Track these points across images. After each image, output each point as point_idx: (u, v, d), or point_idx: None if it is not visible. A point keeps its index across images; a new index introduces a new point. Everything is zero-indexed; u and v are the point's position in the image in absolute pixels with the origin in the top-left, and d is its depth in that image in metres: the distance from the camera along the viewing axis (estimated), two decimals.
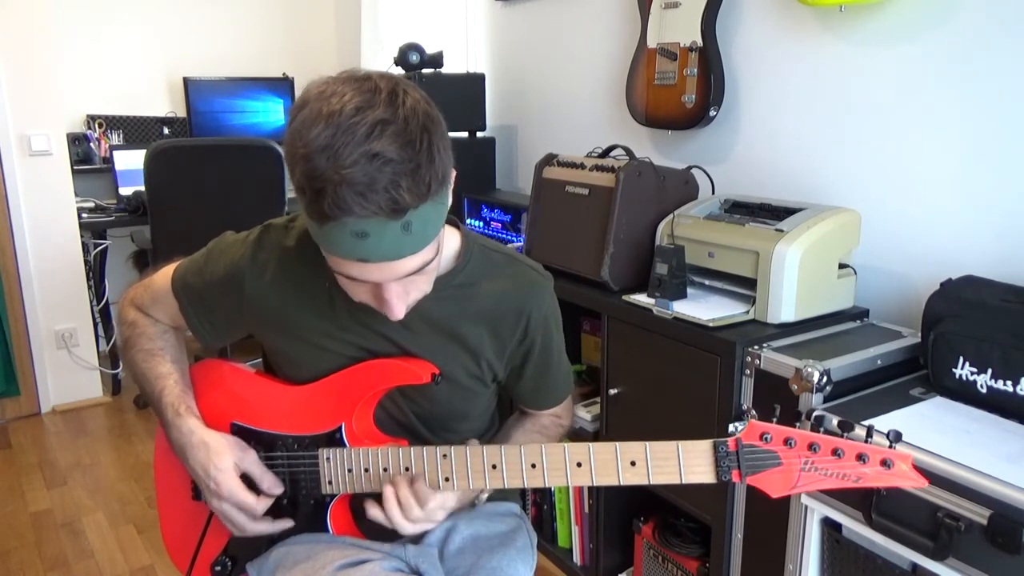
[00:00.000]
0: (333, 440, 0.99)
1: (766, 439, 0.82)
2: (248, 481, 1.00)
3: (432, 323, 1.00)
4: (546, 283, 1.06)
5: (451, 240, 1.02)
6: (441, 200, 0.82)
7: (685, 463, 0.85)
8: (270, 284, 1.01)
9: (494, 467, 0.92)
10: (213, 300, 1.06)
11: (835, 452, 0.80)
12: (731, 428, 0.85)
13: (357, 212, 0.74)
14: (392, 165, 0.74)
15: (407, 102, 0.78)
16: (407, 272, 0.83)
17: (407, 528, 0.95)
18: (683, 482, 0.85)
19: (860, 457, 0.80)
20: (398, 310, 0.86)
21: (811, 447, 0.81)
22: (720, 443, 0.84)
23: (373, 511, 0.95)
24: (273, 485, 1.01)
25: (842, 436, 0.81)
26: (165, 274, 1.11)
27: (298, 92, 3.89)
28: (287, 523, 1.02)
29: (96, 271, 3.25)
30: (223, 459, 0.98)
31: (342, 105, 0.76)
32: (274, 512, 1.02)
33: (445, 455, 0.93)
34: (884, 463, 0.79)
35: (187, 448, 1.00)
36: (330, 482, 0.99)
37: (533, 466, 0.90)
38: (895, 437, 0.80)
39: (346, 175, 0.73)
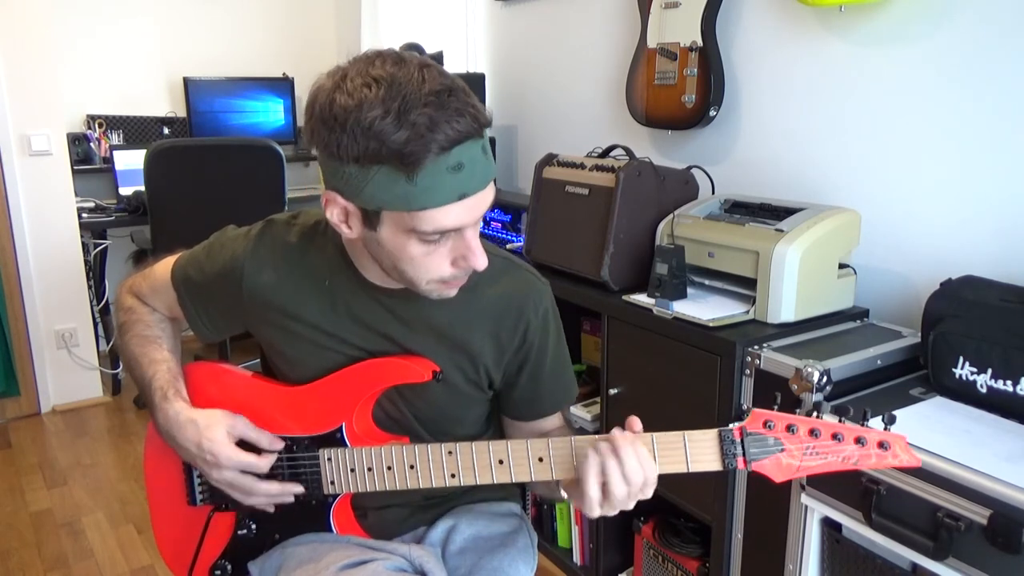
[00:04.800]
0: (334, 440, 0.99)
1: (769, 426, 0.84)
2: (245, 448, 0.99)
3: (434, 326, 1.00)
4: (544, 287, 1.06)
5: None
6: None
7: (691, 452, 0.86)
8: (270, 280, 1.01)
9: (501, 462, 0.92)
10: (212, 294, 1.05)
11: (835, 436, 0.83)
12: (731, 427, 0.86)
13: (451, 135, 0.78)
14: (455, 92, 0.80)
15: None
16: (487, 206, 0.86)
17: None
18: (689, 471, 0.86)
19: (858, 440, 0.82)
20: (481, 257, 0.87)
21: (812, 432, 0.83)
22: (725, 431, 0.85)
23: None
24: (272, 441, 0.99)
25: (840, 421, 0.84)
26: (165, 265, 1.10)
27: (298, 92, 3.91)
28: (296, 487, 1.00)
29: (96, 271, 3.25)
30: (214, 431, 0.97)
31: (381, 71, 0.80)
32: (272, 509, 1.02)
33: (451, 452, 0.93)
34: (881, 445, 0.82)
35: (175, 430, 0.99)
36: (332, 482, 0.99)
37: (540, 460, 0.90)
38: (889, 420, 0.83)
39: (427, 112, 0.77)
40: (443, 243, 0.86)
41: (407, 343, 1.00)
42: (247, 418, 1.02)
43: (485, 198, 0.85)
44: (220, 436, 0.97)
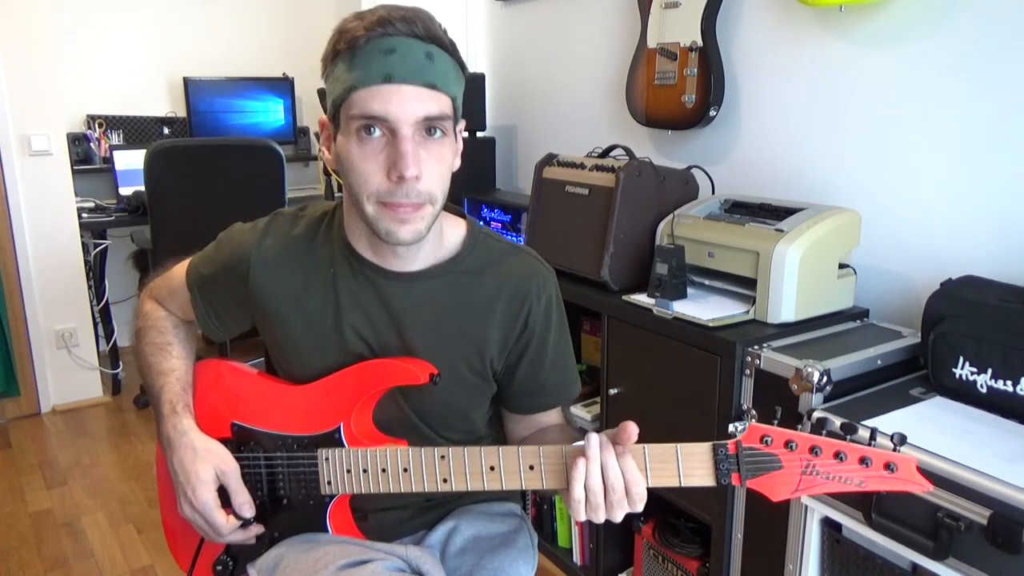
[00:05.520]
0: (332, 440, 0.99)
1: (767, 442, 0.80)
2: (225, 493, 1.00)
3: (437, 312, 1.00)
4: (549, 274, 1.06)
5: (456, 228, 1.04)
6: (460, 69, 0.93)
7: (684, 466, 0.83)
8: (276, 269, 1.02)
9: (492, 469, 0.91)
10: (221, 287, 1.06)
11: (837, 455, 0.78)
12: (731, 428, 0.84)
13: (399, 28, 0.86)
14: (419, 12, 0.88)
15: None
16: (424, 113, 0.87)
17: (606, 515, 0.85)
18: (682, 485, 0.83)
19: (863, 461, 0.78)
20: (410, 160, 0.86)
21: (813, 450, 0.79)
22: (719, 446, 0.82)
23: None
24: (243, 505, 0.99)
25: (845, 439, 0.79)
26: (182, 266, 1.12)
27: (298, 92, 3.90)
28: (259, 528, 1.02)
29: (96, 271, 3.25)
30: (206, 469, 0.97)
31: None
32: (270, 508, 1.02)
33: (443, 456, 0.93)
34: (888, 466, 0.77)
35: (175, 447, 1.00)
36: (329, 482, 0.99)
37: (531, 468, 0.89)
38: (900, 440, 0.78)
39: (383, 12, 0.87)
40: (376, 142, 0.87)
41: (409, 332, 1.00)
42: (244, 417, 1.03)
43: (420, 97, 0.86)
44: (208, 477, 0.97)
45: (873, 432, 0.79)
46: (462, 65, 0.94)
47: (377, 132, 0.87)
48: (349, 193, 0.93)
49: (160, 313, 1.14)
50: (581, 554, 2.00)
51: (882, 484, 0.78)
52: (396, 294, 0.99)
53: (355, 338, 1.00)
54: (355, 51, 0.87)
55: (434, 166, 0.90)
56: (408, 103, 0.86)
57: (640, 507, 0.84)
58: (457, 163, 0.97)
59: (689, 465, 0.83)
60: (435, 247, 1.01)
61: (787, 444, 0.80)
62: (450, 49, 0.90)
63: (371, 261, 0.99)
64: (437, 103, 0.88)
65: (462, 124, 0.98)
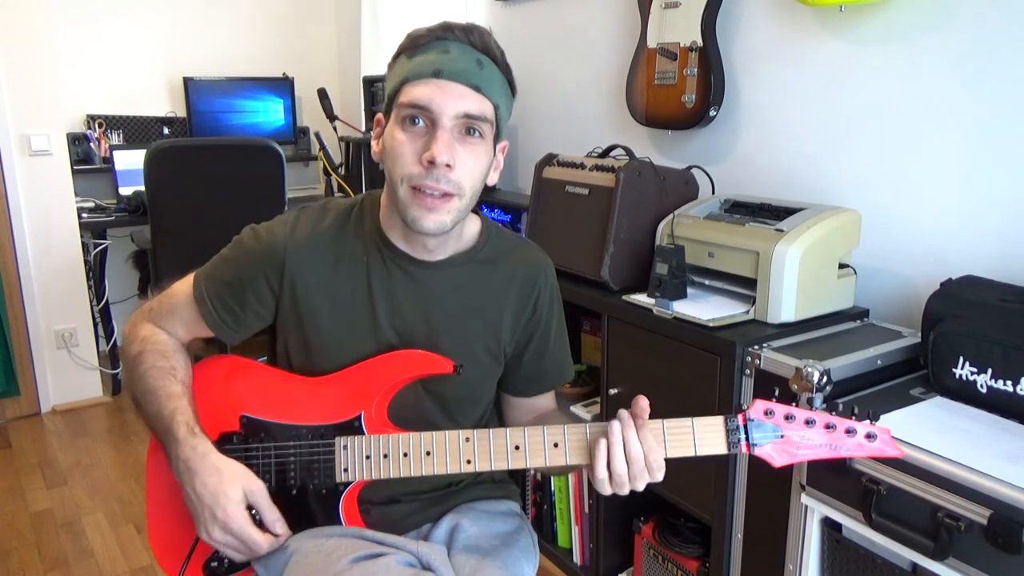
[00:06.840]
0: (351, 428, 1.00)
1: (770, 414, 0.92)
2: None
3: (460, 297, 1.06)
4: (551, 264, 1.16)
5: (472, 222, 1.12)
6: (509, 89, 1.01)
7: (699, 436, 0.92)
8: (309, 260, 1.04)
9: (517, 448, 0.95)
10: (244, 286, 1.05)
11: (828, 426, 0.91)
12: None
13: (457, 35, 0.95)
14: (477, 25, 0.98)
15: None
16: (465, 110, 0.94)
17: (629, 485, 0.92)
18: (696, 454, 0.93)
19: (849, 431, 0.91)
20: (443, 147, 0.92)
21: (808, 422, 0.91)
22: (730, 418, 0.93)
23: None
24: (276, 522, 0.98)
25: (831, 414, 0.92)
26: (184, 282, 1.10)
27: (298, 92, 3.90)
28: (287, 533, 1.01)
29: (96, 271, 3.25)
30: (235, 489, 0.95)
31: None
32: (281, 500, 1.01)
33: (468, 438, 0.96)
34: (868, 436, 0.90)
35: (196, 471, 0.96)
36: (345, 470, 1.00)
37: (555, 445, 0.94)
38: (874, 416, 0.92)
39: (448, 22, 0.97)
40: (418, 131, 0.94)
41: (435, 317, 1.05)
42: (254, 410, 1.04)
43: (463, 94, 0.93)
44: (237, 496, 0.95)
45: (853, 408, 0.93)
46: (512, 85, 1.01)
47: (420, 123, 0.94)
48: (388, 179, 0.98)
49: (160, 336, 1.10)
50: (581, 554, 2.00)
51: (864, 451, 0.91)
52: (425, 281, 1.06)
53: (385, 324, 1.04)
54: (416, 49, 0.96)
55: (468, 160, 0.96)
56: (451, 97, 0.93)
57: (659, 476, 0.92)
58: (495, 178, 1.05)
59: (703, 435, 0.93)
60: (456, 238, 1.08)
61: (787, 417, 0.92)
62: (501, 65, 0.98)
63: (403, 251, 1.05)
64: (479, 104, 0.95)
65: (504, 144, 1.05)
